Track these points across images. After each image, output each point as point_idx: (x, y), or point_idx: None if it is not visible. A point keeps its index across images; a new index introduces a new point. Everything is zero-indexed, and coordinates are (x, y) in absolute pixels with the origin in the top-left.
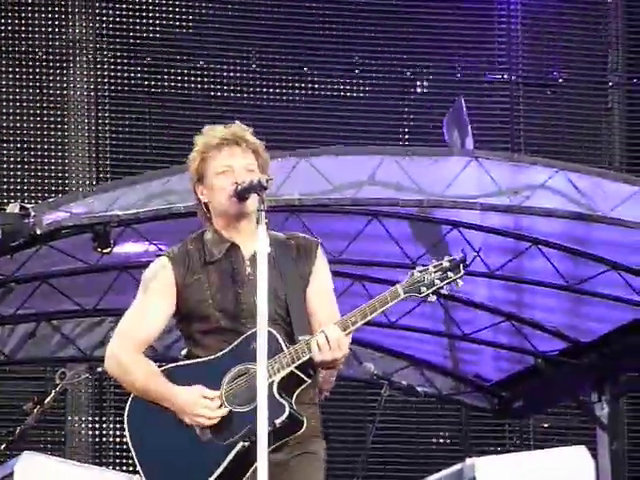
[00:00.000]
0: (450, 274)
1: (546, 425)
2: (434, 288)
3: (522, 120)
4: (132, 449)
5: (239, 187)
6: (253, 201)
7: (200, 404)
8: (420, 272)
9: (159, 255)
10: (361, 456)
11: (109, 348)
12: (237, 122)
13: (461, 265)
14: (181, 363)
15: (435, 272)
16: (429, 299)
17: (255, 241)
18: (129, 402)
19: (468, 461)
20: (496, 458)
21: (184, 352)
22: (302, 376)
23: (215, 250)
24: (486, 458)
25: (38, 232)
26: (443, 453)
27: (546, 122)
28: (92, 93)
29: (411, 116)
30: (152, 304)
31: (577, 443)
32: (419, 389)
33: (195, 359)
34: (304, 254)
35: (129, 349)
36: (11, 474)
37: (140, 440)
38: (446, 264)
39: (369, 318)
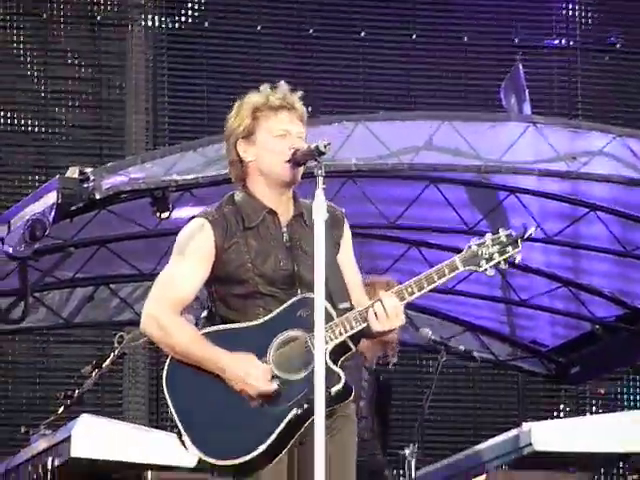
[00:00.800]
0: (509, 248)
1: (602, 391)
2: (493, 262)
3: (580, 86)
4: (173, 410)
5: (298, 152)
6: (303, 168)
7: (252, 375)
8: (478, 245)
9: (195, 216)
10: (418, 421)
11: (146, 309)
12: (298, 92)
13: (519, 240)
14: (221, 327)
15: (493, 246)
16: (487, 273)
17: (290, 207)
18: (167, 364)
19: (524, 426)
20: (552, 424)
21: (204, 314)
22: (350, 345)
23: (253, 215)
24: (542, 424)
25: (97, 196)
26: (500, 418)
27: (604, 88)
28: (150, 57)
29: (470, 81)
30: (190, 265)
31: (633, 409)
32: (476, 354)
33: (228, 323)
34: (335, 222)
35: (168, 310)
36: (69, 437)
37: (182, 402)
38: (504, 238)
39: (426, 290)
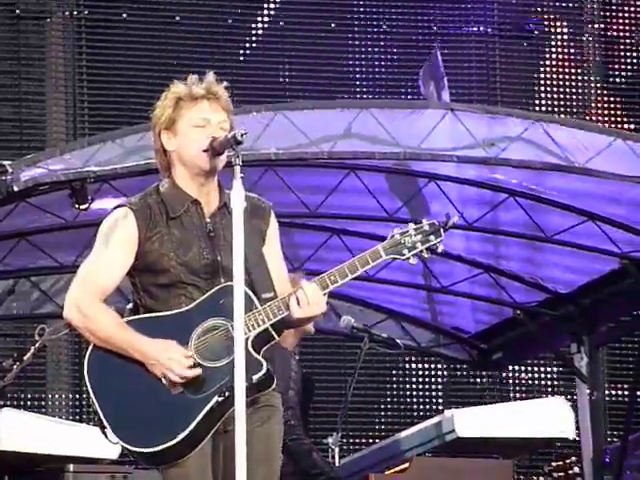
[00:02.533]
0: (431, 237)
1: (525, 377)
2: (415, 251)
3: (498, 73)
4: (93, 398)
5: (215, 141)
6: (224, 157)
7: (174, 360)
8: (401, 234)
9: (119, 206)
10: (341, 409)
11: (69, 296)
12: (214, 76)
13: (442, 229)
14: (143, 316)
15: (416, 235)
16: (410, 261)
17: (215, 198)
18: (88, 352)
19: (447, 413)
20: (475, 409)
21: (129, 306)
22: (273, 334)
23: (177, 205)
24: (465, 410)
25: (15, 189)
26: (422, 406)
27: (522, 75)
28: (69, 49)
29: (388, 70)
30: (114, 253)
31: (556, 394)
32: (398, 341)
33: (152, 312)
34: (259, 214)
35: (91, 297)
36: None
37: (103, 390)
38: (427, 227)
39: (349, 278)
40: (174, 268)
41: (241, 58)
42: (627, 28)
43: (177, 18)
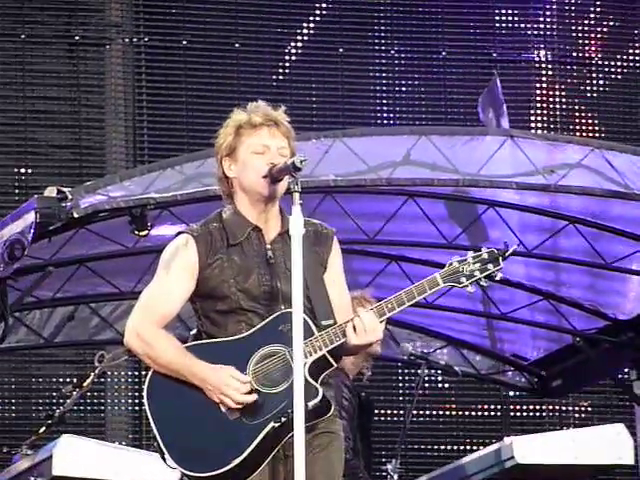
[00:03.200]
0: (490, 266)
1: (585, 404)
2: (473, 279)
3: (558, 100)
4: (153, 424)
5: (274, 168)
6: (284, 184)
7: (231, 386)
8: (459, 262)
9: (181, 232)
10: (400, 436)
11: (129, 323)
12: (281, 106)
13: (500, 257)
14: (203, 341)
15: (474, 263)
16: (468, 289)
17: (276, 224)
18: (149, 377)
19: (506, 440)
20: (534, 437)
21: (193, 332)
22: (331, 360)
23: (238, 232)
24: (524, 437)
25: (75, 215)
26: (482, 433)
27: (582, 101)
28: (129, 76)
29: (446, 96)
30: (174, 281)
31: (616, 421)
32: (457, 369)
33: (213, 338)
34: (322, 241)
35: (151, 324)
36: (50, 457)
37: (162, 415)
38: (485, 255)
39: (406, 306)
40: (234, 295)
41: (299, 85)
42: None
43: (237, 45)
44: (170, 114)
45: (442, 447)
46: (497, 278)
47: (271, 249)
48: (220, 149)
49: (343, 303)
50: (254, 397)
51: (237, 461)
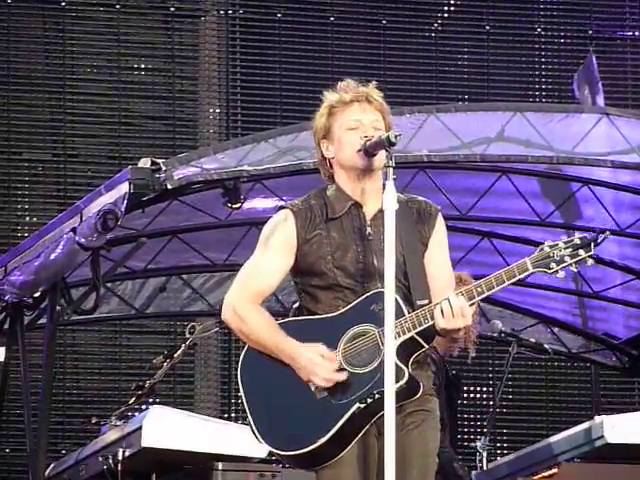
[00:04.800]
0: (581, 252)
1: None
2: (563, 265)
3: None
4: (244, 399)
5: (368, 142)
6: (380, 158)
7: (319, 365)
8: (550, 247)
9: (282, 207)
10: (489, 413)
11: (227, 298)
12: (373, 83)
13: (592, 244)
14: (298, 318)
15: (565, 248)
16: (558, 275)
17: (377, 201)
18: (243, 352)
19: (597, 419)
20: (625, 416)
21: (296, 305)
22: (421, 341)
23: (337, 207)
24: (615, 416)
25: (169, 187)
26: (572, 412)
27: None
28: (224, 48)
29: (543, 73)
30: (272, 256)
31: None
32: (547, 347)
33: (310, 314)
34: (425, 219)
35: (247, 299)
36: (140, 427)
37: (253, 391)
38: (577, 241)
39: (495, 290)
40: (331, 271)
41: (393, 59)
42: None
43: (332, 18)
44: (264, 87)
45: (531, 425)
46: (588, 264)
47: (370, 225)
48: (316, 132)
49: (449, 282)
50: (342, 376)
51: (322, 440)
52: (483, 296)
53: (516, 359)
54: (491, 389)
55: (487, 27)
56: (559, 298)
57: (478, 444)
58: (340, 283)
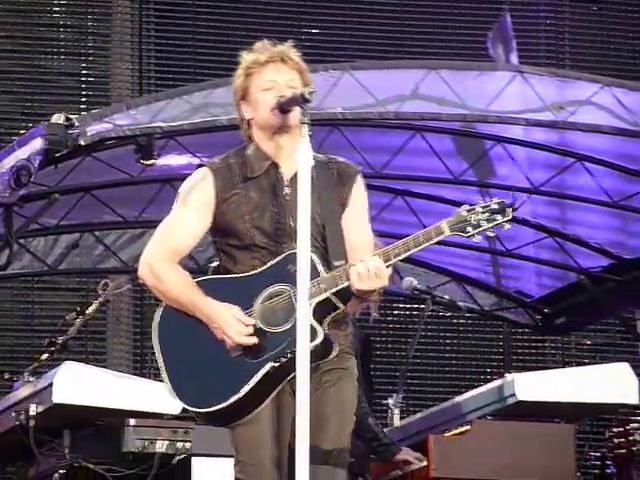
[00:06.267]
0: (498, 217)
1: (588, 342)
2: (480, 229)
3: (567, 36)
4: (159, 356)
5: (282, 99)
6: (295, 115)
7: (233, 327)
8: (467, 211)
9: (200, 165)
10: (402, 371)
11: (143, 255)
12: (289, 42)
13: (509, 209)
14: (215, 277)
15: (483, 213)
16: (474, 239)
17: (295, 162)
18: (159, 310)
19: (508, 377)
20: (536, 374)
21: (214, 264)
22: (337, 302)
23: (256, 166)
24: (526, 374)
25: (82, 143)
26: (483, 369)
27: (592, 38)
28: (137, 5)
29: (455, 31)
30: (190, 215)
31: (619, 360)
32: (461, 304)
33: (227, 273)
34: (344, 180)
35: (163, 257)
36: (52, 383)
37: (168, 348)
38: (494, 206)
39: (412, 252)
40: (248, 231)
41: (306, 17)
42: None
43: None
44: (177, 44)
45: (443, 383)
46: (505, 229)
47: (289, 186)
48: (235, 94)
49: (360, 243)
50: (254, 340)
51: (235, 398)
52: (400, 258)
53: (429, 316)
54: (404, 347)
55: None
56: (472, 256)
57: (390, 401)
58: (257, 243)
